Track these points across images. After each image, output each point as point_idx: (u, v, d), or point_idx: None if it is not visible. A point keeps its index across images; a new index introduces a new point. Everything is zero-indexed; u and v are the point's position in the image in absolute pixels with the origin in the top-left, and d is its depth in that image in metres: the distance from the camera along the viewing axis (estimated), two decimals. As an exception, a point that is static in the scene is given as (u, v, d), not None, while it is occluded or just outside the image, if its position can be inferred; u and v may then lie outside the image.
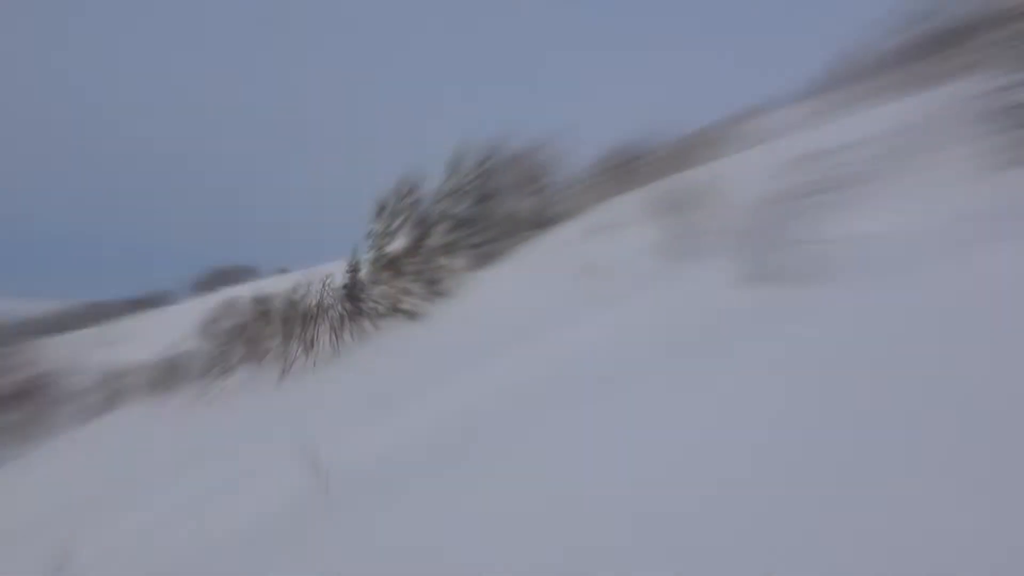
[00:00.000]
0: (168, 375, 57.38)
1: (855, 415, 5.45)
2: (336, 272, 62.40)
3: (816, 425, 5.64)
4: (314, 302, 52.95)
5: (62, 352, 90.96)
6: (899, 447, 4.61)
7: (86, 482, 33.73)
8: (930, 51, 53.44)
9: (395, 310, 53.30)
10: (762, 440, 5.83)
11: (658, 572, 4.50)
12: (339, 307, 56.01)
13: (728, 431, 6.50)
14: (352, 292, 57.31)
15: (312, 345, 50.87)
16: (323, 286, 55.03)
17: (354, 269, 60.82)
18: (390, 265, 54.80)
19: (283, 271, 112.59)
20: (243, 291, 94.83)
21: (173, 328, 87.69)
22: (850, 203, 17.60)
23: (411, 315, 51.60)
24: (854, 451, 4.85)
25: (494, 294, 45.47)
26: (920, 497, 3.99)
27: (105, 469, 35.32)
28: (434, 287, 54.59)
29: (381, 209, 62.67)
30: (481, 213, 61.96)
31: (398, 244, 59.30)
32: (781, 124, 60.92)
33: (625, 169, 60.51)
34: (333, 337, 53.81)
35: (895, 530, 3.83)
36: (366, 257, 62.79)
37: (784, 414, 6.26)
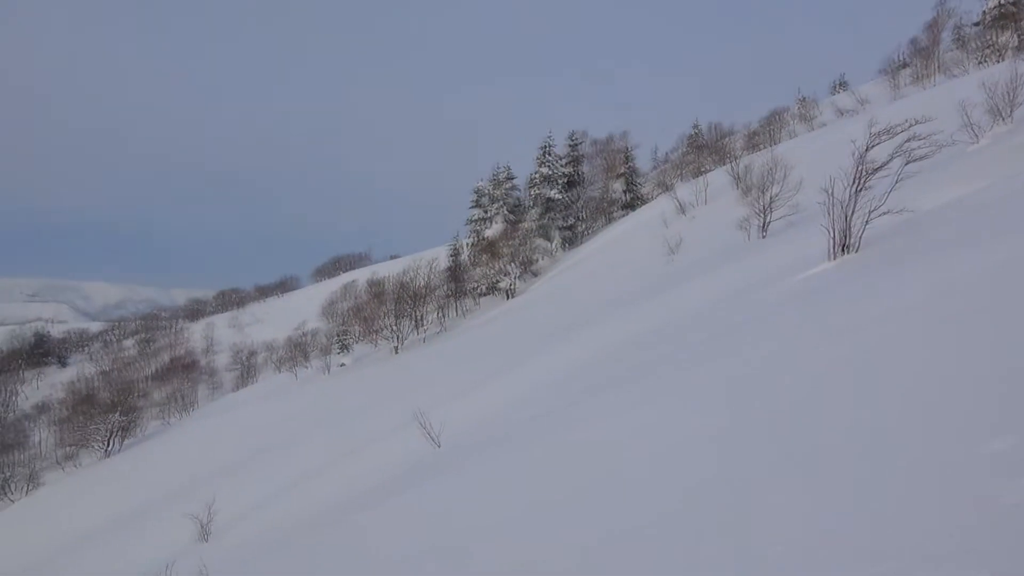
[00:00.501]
0: (295, 352, 59.01)
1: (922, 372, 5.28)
2: (440, 256, 63.24)
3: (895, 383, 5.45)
4: (422, 283, 53.72)
5: (203, 334, 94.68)
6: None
7: (226, 449, 35.06)
8: (1004, 22, 50.77)
9: (493, 289, 53.76)
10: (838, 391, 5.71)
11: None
12: (444, 287, 56.82)
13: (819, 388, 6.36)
14: (455, 273, 58.03)
15: (421, 322, 51.71)
16: (429, 269, 55.80)
17: (456, 253, 61.55)
18: (488, 248, 55.16)
19: (394, 257, 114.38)
20: (359, 275, 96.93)
21: (298, 310, 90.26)
22: (926, 176, 16.88)
23: (508, 293, 51.96)
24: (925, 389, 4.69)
25: (582, 273, 45.33)
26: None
27: (242, 437, 36.64)
28: (529, 267, 54.81)
29: (479, 197, 63.23)
30: (571, 197, 61.86)
31: (495, 228, 59.63)
32: (856, 102, 58.78)
33: (706, 151, 59.40)
34: (439, 314, 54.61)
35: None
36: (466, 241, 63.51)
37: (865, 374, 6.06)
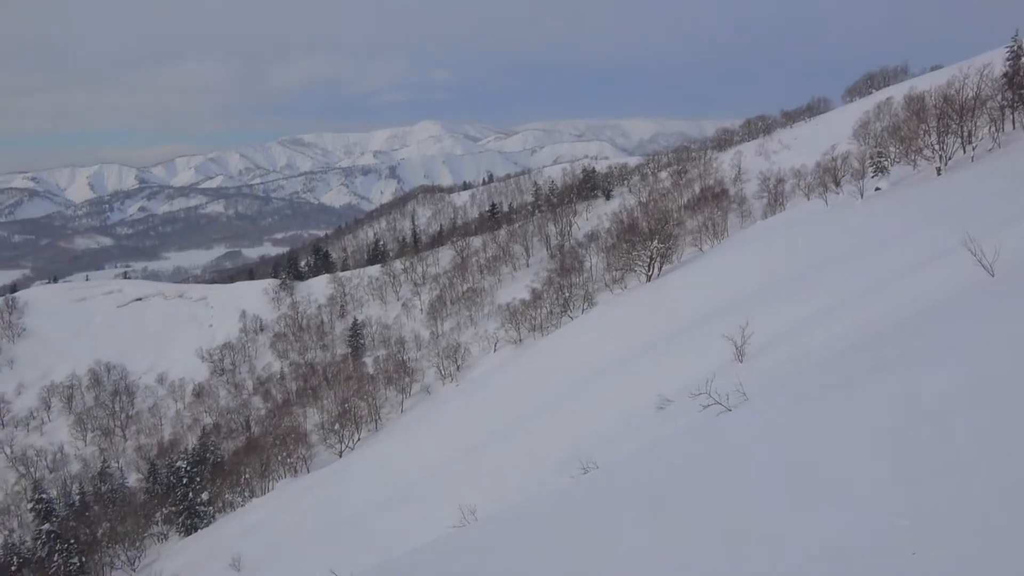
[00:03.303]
0: (825, 177, 57.85)
1: None
2: (995, 61, 55.54)
3: None
4: (971, 95, 48.15)
5: (731, 163, 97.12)
6: None
7: (760, 274, 36.45)
8: None
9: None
10: None
11: None
12: (999, 97, 50.15)
13: None
14: (1013, 80, 50.71)
15: (969, 139, 46.76)
16: (980, 77, 49.59)
17: (1017, 55, 53.44)
18: (1064, 45, 46.97)
19: (935, 68, 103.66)
20: (895, 92, 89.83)
21: (827, 134, 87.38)
22: None
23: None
24: None
25: None
26: None
27: (775, 264, 37.66)
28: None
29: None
30: None
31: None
32: None
33: None
34: (992, 129, 48.63)
35: None
36: (1031, 40, 54.59)
37: None
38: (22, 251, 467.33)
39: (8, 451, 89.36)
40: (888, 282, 20.11)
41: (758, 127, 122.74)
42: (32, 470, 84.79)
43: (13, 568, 49.32)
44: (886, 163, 50.41)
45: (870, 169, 50.38)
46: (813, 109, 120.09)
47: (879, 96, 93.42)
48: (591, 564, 7.41)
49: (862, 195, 47.27)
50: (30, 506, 64.16)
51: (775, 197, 71.75)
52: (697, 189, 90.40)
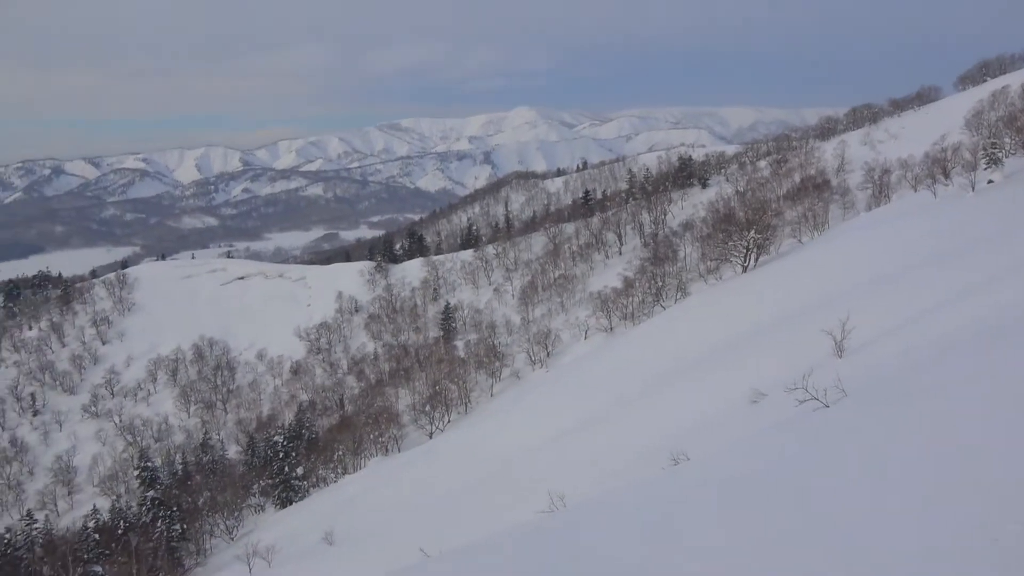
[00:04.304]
0: (934, 168, 55.58)
1: None
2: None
3: None
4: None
5: (834, 153, 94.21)
6: None
7: (862, 269, 35.30)
8: None
9: None
10: None
11: None
12: None
13: None
14: None
15: (1094, 130, 44.26)
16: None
17: None
18: None
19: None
20: (1012, 80, 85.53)
21: (937, 123, 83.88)
22: None
23: None
24: None
25: None
26: None
27: (879, 257, 36.44)
28: None
29: None
30: None
31: None
32: None
33: None
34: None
35: None
36: None
37: None
38: (133, 229, 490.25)
39: (117, 420, 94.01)
40: (1000, 279, 19.27)
41: (863, 116, 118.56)
42: (139, 439, 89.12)
43: (119, 531, 51.77)
44: (1000, 154, 48.09)
45: (982, 161, 48.16)
46: (922, 97, 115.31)
47: (994, 84, 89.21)
48: (676, 557, 7.39)
49: (973, 188, 45.28)
50: (136, 473, 67.47)
51: (880, 188, 69.27)
52: (797, 179, 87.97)
